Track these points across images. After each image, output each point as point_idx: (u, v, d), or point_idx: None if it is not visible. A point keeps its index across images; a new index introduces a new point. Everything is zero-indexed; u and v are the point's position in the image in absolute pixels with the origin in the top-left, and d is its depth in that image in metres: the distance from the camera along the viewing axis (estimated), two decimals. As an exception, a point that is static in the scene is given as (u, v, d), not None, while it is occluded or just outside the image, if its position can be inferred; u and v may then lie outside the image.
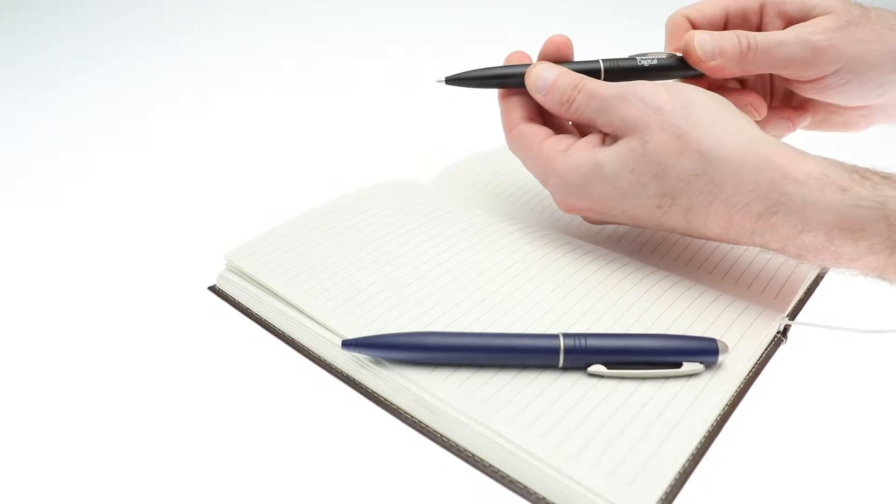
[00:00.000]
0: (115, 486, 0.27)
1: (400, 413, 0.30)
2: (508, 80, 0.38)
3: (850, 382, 0.32)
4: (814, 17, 0.37)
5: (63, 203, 0.48)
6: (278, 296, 0.34)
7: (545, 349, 0.29)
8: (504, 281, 0.35)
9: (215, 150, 0.57)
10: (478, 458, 0.27)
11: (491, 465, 0.27)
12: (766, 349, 0.32)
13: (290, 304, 0.34)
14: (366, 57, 0.83)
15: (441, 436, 0.28)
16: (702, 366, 0.29)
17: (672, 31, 0.41)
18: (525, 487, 0.26)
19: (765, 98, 0.42)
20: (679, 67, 0.39)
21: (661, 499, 0.24)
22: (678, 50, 0.40)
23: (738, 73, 0.38)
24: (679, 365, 0.29)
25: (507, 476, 0.27)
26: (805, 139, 0.41)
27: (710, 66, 0.38)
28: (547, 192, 0.46)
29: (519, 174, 0.48)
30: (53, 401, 0.31)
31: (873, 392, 0.32)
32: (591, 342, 0.29)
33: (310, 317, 0.33)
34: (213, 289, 0.38)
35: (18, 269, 0.40)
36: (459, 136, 0.61)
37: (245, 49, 0.84)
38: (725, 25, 0.40)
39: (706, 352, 0.29)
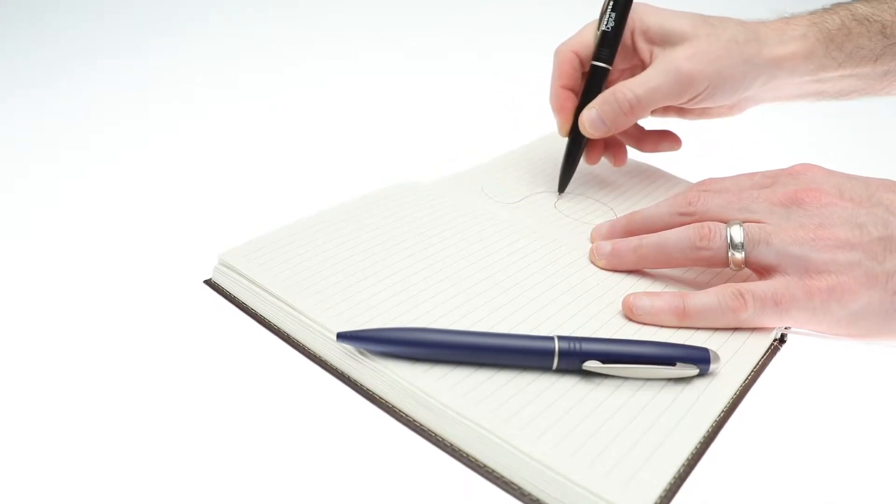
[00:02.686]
0: (111, 475, 0.27)
1: (394, 411, 0.29)
2: None
3: (847, 388, 0.33)
4: (674, 42, 0.41)
5: (63, 200, 0.48)
6: (274, 294, 0.34)
7: (540, 350, 0.29)
8: (507, 286, 0.35)
9: (215, 150, 0.57)
10: (472, 457, 0.27)
11: (486, 466, 0.27)
12: (763, 355, 0.32)
13: (285, 301, 0.34)
14: (364, 58, 0.82)
15: (436, 434, 0.28)
16: (696, 368, 0.29)
17: (560, 66, 0.45)
18: (519, 488, 0.26)
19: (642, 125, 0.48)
20: None
21: (660, 496, 0.24)
22: (567, 87, 0.44)
23: (630, 124, 0.43)
24: (673, 363, 0.29)
25: (502, 476, 0.26)
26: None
27: (602, 134, 0.43)
28: (547, 196, 0.46)
29: (520, 178, 0.48)
30: (51, 392, 0.31)
31: (870, 396, 0.32)
32: (586, 346, 0.29)
33: (304, 314, 0.33)
34: (208, 282, 0.38)
35: (18, 265, 0.40)
36: (457, 138, 0.61)
37: (247, 49, 0.83)
38: None
39: (697, 360, 0.29)
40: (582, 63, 0.44)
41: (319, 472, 0.27)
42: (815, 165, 0.35)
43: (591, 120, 0.42)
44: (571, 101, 0.44)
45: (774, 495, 0.27)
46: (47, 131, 0.58)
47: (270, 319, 0.34)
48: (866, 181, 0.33)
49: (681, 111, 0.46)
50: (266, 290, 0.34)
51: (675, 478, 0.25)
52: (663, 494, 0.25)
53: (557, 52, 0.45)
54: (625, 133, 0.48)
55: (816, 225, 0.32)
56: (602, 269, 0.37)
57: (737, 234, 0.33)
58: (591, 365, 0.29)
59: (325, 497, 0.26)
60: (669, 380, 0.29)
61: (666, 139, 0.48)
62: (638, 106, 0.41)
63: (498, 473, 0.26)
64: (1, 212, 0.46)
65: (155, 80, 0.71)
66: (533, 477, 0.26)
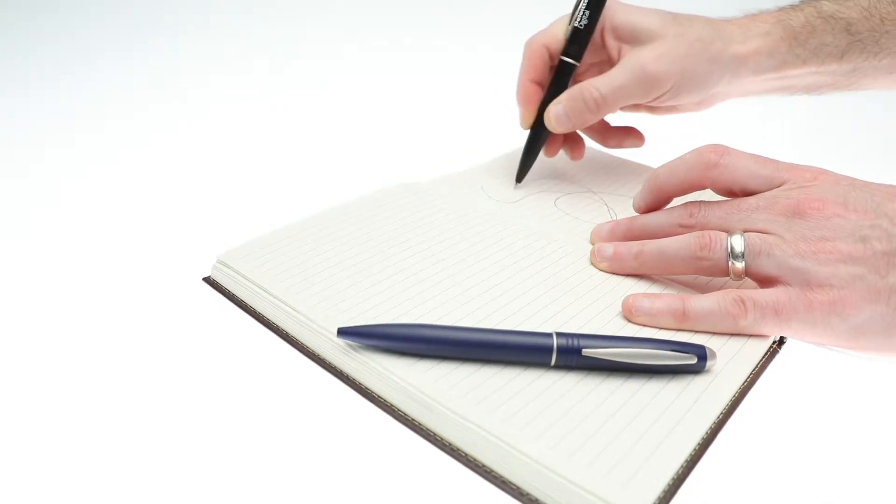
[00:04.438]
0: (110, 471, 0.26)
1: (393, 409, 0.29)
2: None
3: (846, 389, 0.32)
4: (641, 41, 0.41)
5: (64, 198, 0.48)
6: (273, 294, 0.34)
7: (538, 346, 0.29)
8: (508, 287, 0.35)
9: (215, 149, 0.57)
10: (471, 457, 0.27)
11: (485, 465, 0.27)
12: (762, 357, 0.32)
13: (284, 301, 0.33)
14: (363, 58, 0.82)
15: (434, 434, 0.28)
16: (694, 357, 0.29)
17: (529, 59, 0.45)
18: (518, 488, 0.26)
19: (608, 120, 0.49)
20: None
21: (658, 497, 0.24)
22: (534, 80, 0.45)
23: (595, 122, 0.44)
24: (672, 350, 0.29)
25: (501, 476, 0.26)
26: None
27: (566, 130, 0.44)
28: (548, 194, 0.46)
29: (518, 177, 0.48)
30: (51, 387, 0.30)
31: (868, 398, 0.32)
32: (584, 342, 0.29)
33: (302, 313, 0.33)
34: (207, 280, 0.38)
35: (19, 263, 0.40)
36: (457, 138, 0.61)
37: (246, 49, 0.83)
38: None
39: (694, 354, 0.29)
40: (551, 57, 0.44)
41: (316, 470, 0.27)
42: (822, 172, 0.34)
43: (557, 115, 0.43)
44: (538, 95, 0.45)
45: (773, 497, 0.27)
46: (47, 131, 0.58)
47: (269, 317, 0.34)
48: (872, 190, 0.32)
49: (649, 108, 0.46)
50: (265, 290, 0.34)
51: (673, 479, 0.25)
52: (662, 495, 0.25)
53: (528, 45, 0.45)
54: (590, 129, 0.48)
55: (819, 237, 0.31)
56: (602, 271, 0.37)
57: (738, 243, 0.33)
58: (590, 351, 0.29)
59: (324, 494, 0.26)
60: (668, 379, 0.29)
61: (630, 136, 0.48)
62: (604, 104, 0.42)
63: (497, 473, 0.26)
64: (1, 211, 0.46)
65: (155, 80, 0.71)
66: (531, 477, 0.25)
